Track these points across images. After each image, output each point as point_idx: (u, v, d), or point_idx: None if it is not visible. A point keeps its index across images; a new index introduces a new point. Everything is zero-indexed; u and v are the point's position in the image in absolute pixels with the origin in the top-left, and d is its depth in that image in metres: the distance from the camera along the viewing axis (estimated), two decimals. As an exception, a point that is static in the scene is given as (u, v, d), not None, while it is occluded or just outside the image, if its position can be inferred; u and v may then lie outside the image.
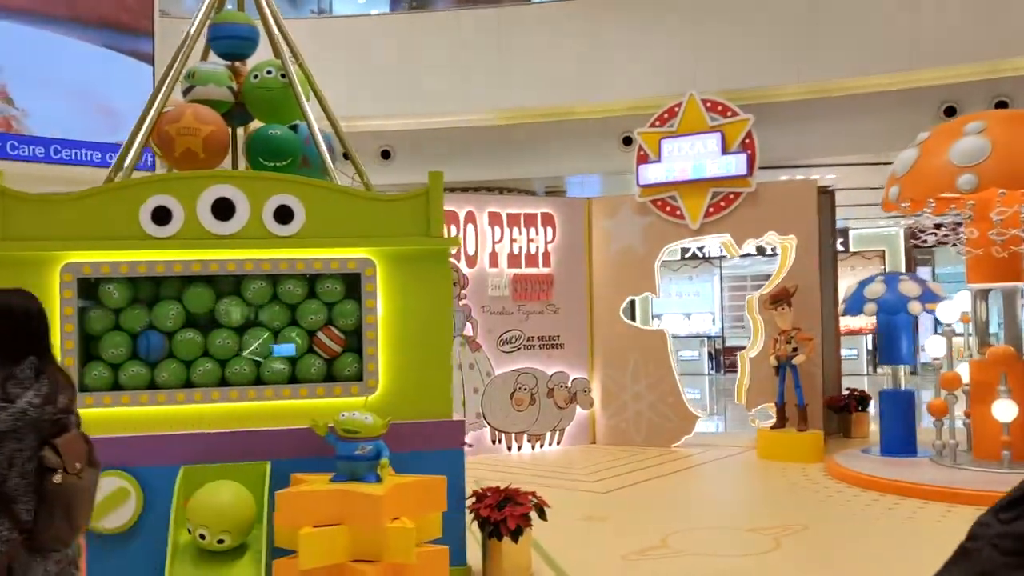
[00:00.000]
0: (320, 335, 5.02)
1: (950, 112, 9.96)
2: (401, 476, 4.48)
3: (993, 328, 8.39)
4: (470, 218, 9.37)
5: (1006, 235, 7.18)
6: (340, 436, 4.42)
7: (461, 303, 9.28)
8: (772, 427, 8.82)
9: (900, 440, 8.16)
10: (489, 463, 8.71)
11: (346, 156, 6.04)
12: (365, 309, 5.01)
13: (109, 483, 4.61)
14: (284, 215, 4.95)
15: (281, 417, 4.88)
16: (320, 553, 4.06)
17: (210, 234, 4.85)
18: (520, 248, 9.61)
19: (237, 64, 5.93)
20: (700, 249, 20.35)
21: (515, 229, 9.59)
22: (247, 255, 4.90)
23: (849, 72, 9.75)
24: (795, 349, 8.60)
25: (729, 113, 9.29)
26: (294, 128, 5.98)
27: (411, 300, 5.09)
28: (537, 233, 9.70)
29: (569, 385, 9.71)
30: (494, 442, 9.35)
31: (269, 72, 5.68)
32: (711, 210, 9.35)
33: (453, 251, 8.61)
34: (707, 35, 10.48)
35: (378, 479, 4.35)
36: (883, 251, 18.30)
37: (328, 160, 5.61)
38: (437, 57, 10.83)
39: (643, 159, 9.66)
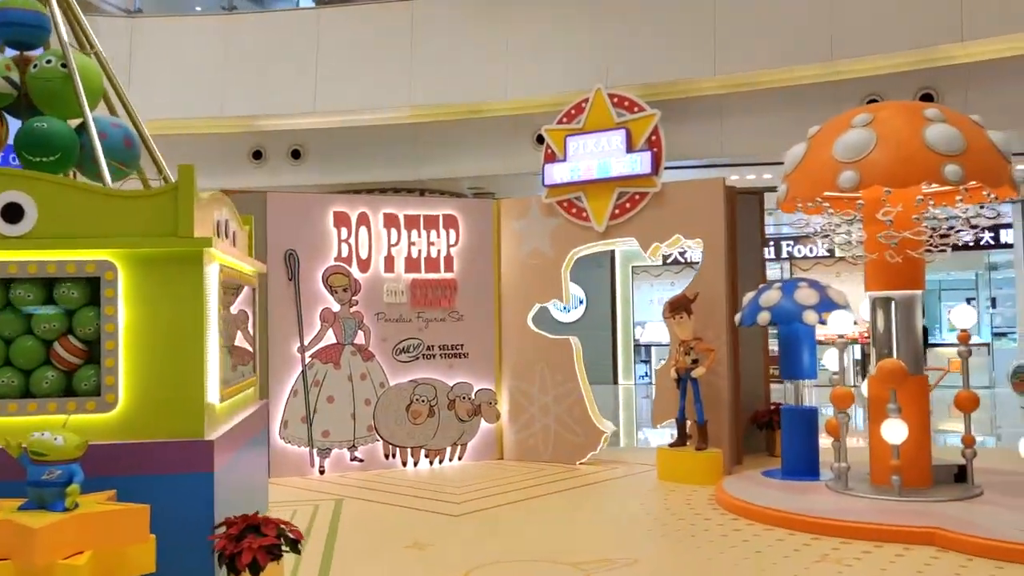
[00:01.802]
0: (56, 346, 4.59)
1: (875, 106, 9.27)
2: (96, 504, 4.01)
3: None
4: (363, 220, 8.91)
5: (896, 238, 6.52)
6: (30, 458, 3.97)
7: (352, 310, 8.82)
8: (671, 445, 8.21)
9: (802, 461, 7.52)
10: (362, 479, 8.25)
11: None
12: (104, 317, 4.56)
13: None
14: (13, 213, 4.52)
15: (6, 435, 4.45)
16: (-23, 591, 3.62)
17: (-71, 234, 4.45)
18: (420, 252, 9.12)
19: (27, 54, 5.55)
20: (682, 254, 19.72)
21: (414, 232, 9.11)
22: (-29, 257, 4.49)
23: (768, 63, 9.11)
24: (694, 361, 7.99)
25: (636, 109, 8.72)
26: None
27: (158, 307, 4.63)
28: (439, 236, 9.20)
29: (472, 397, 9.20)
30: (387, 456, 8.86)
31: (48, 62, 5.28)
32: (616, 212, 8.78)
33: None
34: (621, 28, 9.92)
35: (64, 508, 3.90)
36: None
37: (100, 155, 5.20)
38: (347, 53, 10.41)
39: (550, 158, 9.13)
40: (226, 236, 5.64)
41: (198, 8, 11.84)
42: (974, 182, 6.23)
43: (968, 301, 18.65)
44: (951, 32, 8.23)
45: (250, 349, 6.29)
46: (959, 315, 6.91)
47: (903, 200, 6.52)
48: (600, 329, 18.38)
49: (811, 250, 19.10)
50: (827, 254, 18.08)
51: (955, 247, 6.81)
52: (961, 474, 6.88)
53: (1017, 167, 6.51)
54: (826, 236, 7.03)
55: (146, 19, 10.87)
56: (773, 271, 17.76)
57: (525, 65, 10.12)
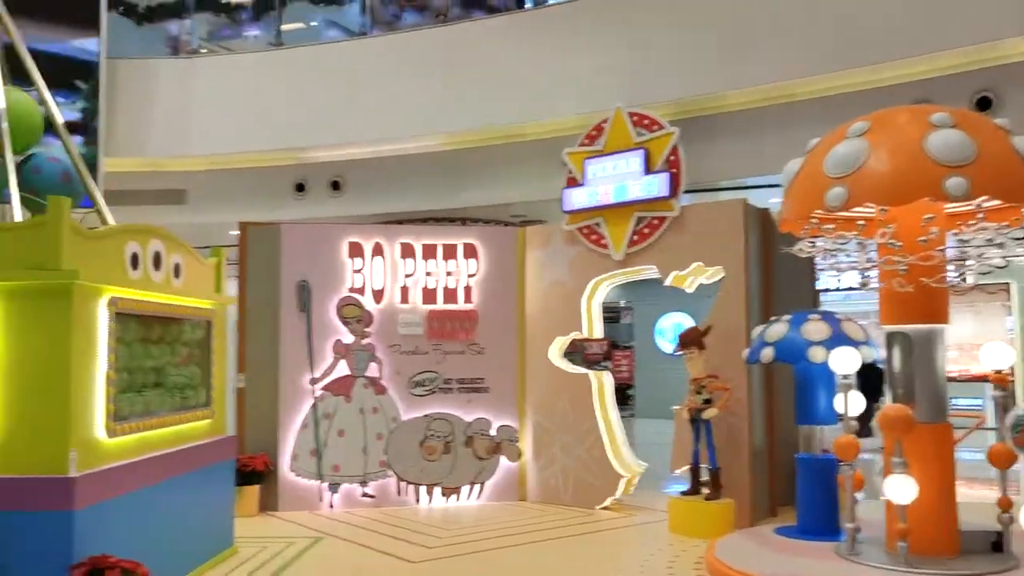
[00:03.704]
0: (-66, 378, 4.62)
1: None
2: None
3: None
4: (377, 250, 8.73)
5: (901, 264, 5.61)
6: None
7: (364, 342, 8.63)
8: (683, 493, 7.46)
9: (820, 518, 6.60)
10: (370, 516, 7.98)
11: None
12: (-26, 350, 4.56)
13: None
14: None
15: None
16: None
17: None
18: (437, 282, 8.84)
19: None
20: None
21: (431, 262, 8.83)
22: None
23: (806, 71, 8.23)
24: (706, 401, 7.24)
25: (656, 127, 8.10)
26: (28, 159, 5.71)
27: (29, 341, 4.58)
28: (457, 266, 8.88)
29: (493, 434, 8.77)
30: (399, 493, 8.57)
31: (-19, 99, 5.44)
32: (635, 238, 8.17)
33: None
34: (654, 44, 9.29)
35: None
36: (1007, 285, 15.60)
37: (13, 187, 5.26)
38: (383, 83, 10.33)
39: (571, 182, 8.63)
40: (156, 269, 5.57)
41: (253, 35, 12.16)
42: (984, 197, 5.26)
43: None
44: (1013, 25, 7.10)
45: (191, 382, 6.19)
46: (992, 354, 5.86)
47: (908, 220, 5.61)
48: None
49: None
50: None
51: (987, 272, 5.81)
52: (1000, 543, 5.80)
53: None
54: (838, 262, 6.15)
55: (200, 59, 11.29)
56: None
57: (558, 86, 9.69)
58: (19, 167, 5.61)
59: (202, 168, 11.05)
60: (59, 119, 5.88)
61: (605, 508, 8.27)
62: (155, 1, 11.98)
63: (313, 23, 13.60)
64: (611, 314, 24.63)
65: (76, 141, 10.50)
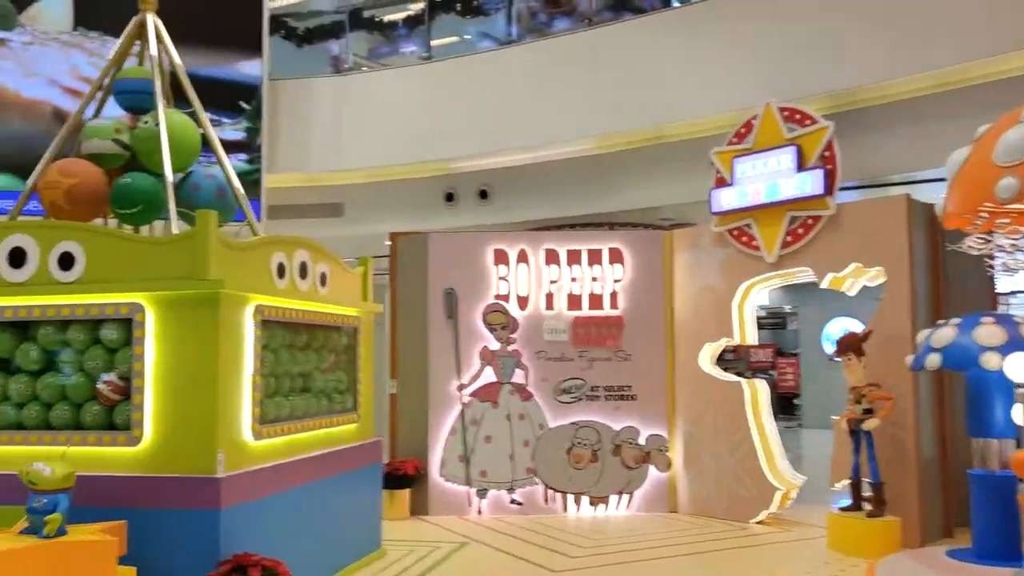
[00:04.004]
0: (99, 384, 4.95)
1: None
2: (80, 534, 4.21)
3: None
4: (522, 256, 8.73)
5: (1085, 260, 5.03)
6: (27, 487, 4.29)
7: (510, 348, 8.64)
8: (842, 509, 6.99)
9: (998, 541, 6.00)
10: (518, 523, 7.95)
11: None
12: (134, 356, 4.86)
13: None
14: (66, 262, 4.99)
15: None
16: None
17: (5, 282, 5.03)
18: (582, 288, 8.73)
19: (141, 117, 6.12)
20: None
21: (576, 267, 8.74)
22: (36, 301, 5.01)
23: (981, 52, 7.54)
24: (867, 411, 6.77)
25: (808, 122, 7.67)
26: (187, 176, 6.06)
27: (181, 347, 4.84)
28: (603, 271, 8.75)
29: (641, 442, 8.57)
30: (547, 501, 8.51)
31: (146, 123, 5.82)
32: (789, 239, 7.75)
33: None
34: (805, 34, 8.80)
35: (45, 535, 4.15)
36: None
37: (171, 204, 5.58)
38: (528, 90, 10.34)
39: (719, 182, 8.31)
40: (302, 278, 5.77)
41: (410, 51, 12.45)
42: None
43: None
44: None
45: (338, 387, 6.37)
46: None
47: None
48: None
49: None
50: None
51: None
52: None
53: None
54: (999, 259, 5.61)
55: (353, 76, 11.70)
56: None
57: (705, 85, 9.36)
58: (179, 184, 5.96)
59: (358, 181, 11.45)
60: (215, 138, 6.20)
61: (760, 522, 7.89)
62: (314, 24, 12.53)
63: (467, 36, 13.87)
64: (776, 319, 23.69)
65: (240, 159, 11.21)
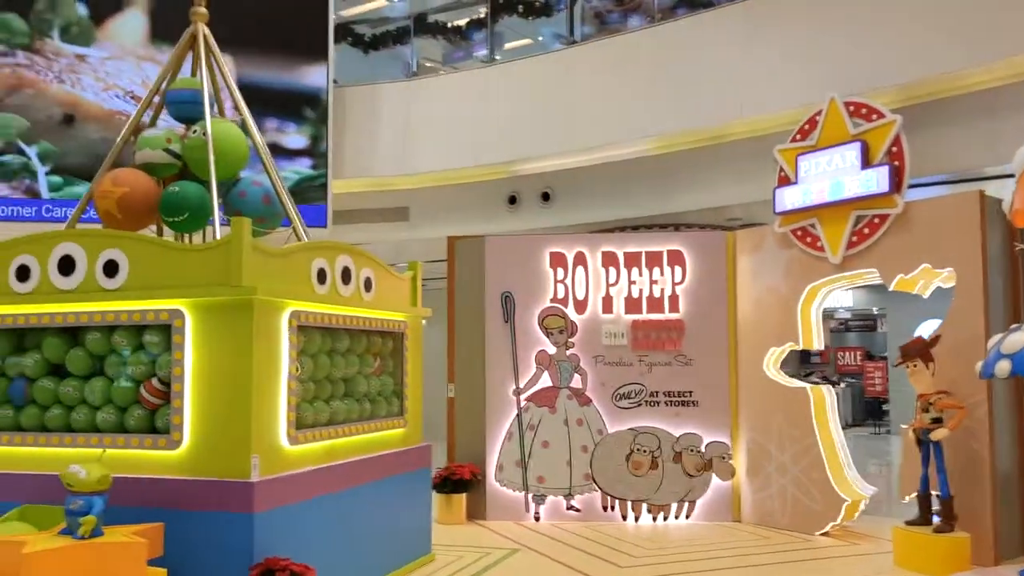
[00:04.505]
0: (141, 387, 5.07)
1: None
2: (114, 536, 4.31)
3: None
4: (580, 259, 8.60)
5: None
6: (65, 488, 4.41)
7: (568, 353, 8.53)
8: (908, 523, 6.63)
9: (1077, 561, 5.61)
10: (575, 530, 7.85)
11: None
12: (173, 361, 4.95)
13: (-35, 514, 5.16)
14: (111, 269, 5.13)
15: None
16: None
17: (56, 289, 5.21)
18: (641, 291, 8.56)
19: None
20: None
21: (634, 270, 8.57)
22: (83, 308, 5.17)
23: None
24: (935, 420, 6.41)
25: (875, 116, 7.33)
26: (235, 184, 6.17)
27: (217, 352, 4.92)
28: (662, 274, 8.55)
29: (703, 450, 8.34)
30: (605, 508, 8.36)
31: (195, 132, 5.96)
32: (854, 239, 7.42)
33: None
34: (867, 25, 8.40)
35: (80, 536, 4.26)
36: None
37: (216, 210, 5.68)
38: (589, 91, 10.19)
39: (783, 181, 8.02)
40: (344, 283, 5.80)
41: (483, 55, 12.43)
42: None
43: None
44: None
45: (383, 392, 6.38)
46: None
47: None
48: None
49: None
50: None
51: None
52: None
53: None
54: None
55: (418, 81, 11.75)
56: None
57: (769, 81, 9.04)
58: (227, 192, 6.07)
59: (423, 185, 11.51)
60: (261, 144, 6.29)
61: (825, 534, 7.58)
62: (380, 30, 12.66)
63: (540, 38, 13.82)
64: (865, 321, 22.87)
65: (305, 165, 11.40)
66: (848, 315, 22.27)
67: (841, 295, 20.44)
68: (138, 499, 4.81)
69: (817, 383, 8.75)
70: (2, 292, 5.30)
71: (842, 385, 19.09)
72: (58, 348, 5.28)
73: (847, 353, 21.91)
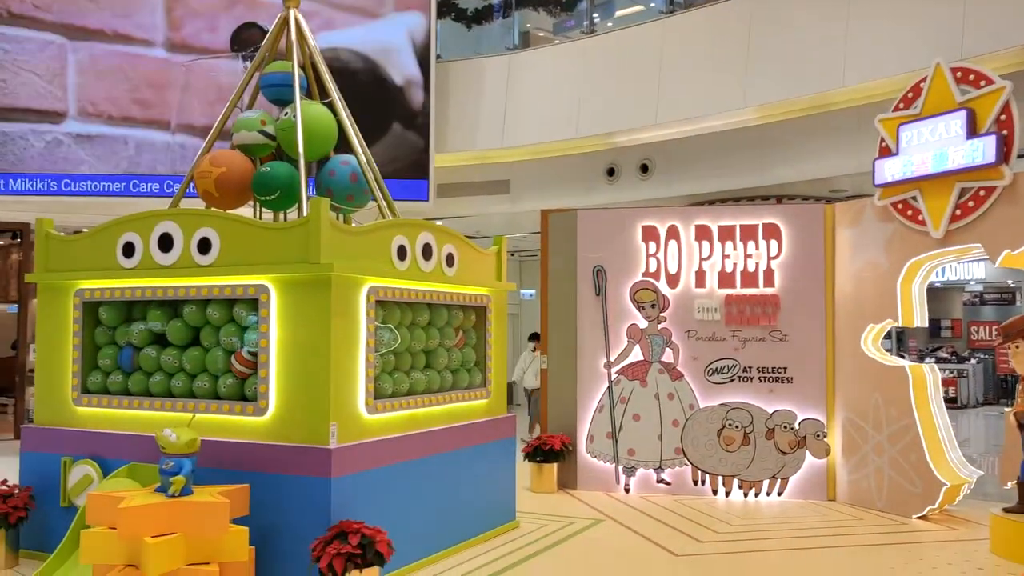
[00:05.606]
0: (232, 358, 5.42)
1: None
2: (201, 495, 4.66)
3: None
4: (672, 233, 8.53)
5: None
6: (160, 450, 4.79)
7: (660, 327, 8.51)
8: (1006, 510, 6.34)
9: None
10: (664, 503, 7.89)
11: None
12: (259, 333, 5.27)
13: (80, 470, 5.69)
14: (204, 246, 5.48)
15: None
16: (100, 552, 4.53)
17: (156, 264, 5.62)
18: (735, 265, 8.43)
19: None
20: None
21: (728, 244, 8.44)
22: (180, 282, 5.55)
23: None
24: (1036, 404, 6.10)
25: (984, 83, 6.93)
26: (324, 163, 6.45)
27: (299, 326, 5.20)
28: (757, 248, 8.39)
29: (796, 427, 8.19)
30: (695, 482, 8.35)
31: (286, 114, 6.25)
32: (957, 212, 7.07)
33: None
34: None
35: (171, 495, 4.63)
36: None
37: (302, 188, 5.96)
38: (688, 61, 9.99)
39: (884, 152, 7.70)
40: (426, 259, 6.00)
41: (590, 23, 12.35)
42: None
43: None
44: None
45: (466, 364, 6.56)
46: None
47: None
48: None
49: None
50: None
51: None
52: None
53: None
54: None
55: (518, 54, 11.78)
56: None
57: (872, 48, 8.61)
58: (317, 170, 6.35)
59: (524, 158, 11.61)
60: (349, 126, 6.51)
61: (923, 518, 7.34)
62: (482, 4, 12.75)
63: (652, 3, 13.62)
64: (1003, 295, 21.60)
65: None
66: (981, 288, 21.10)
67: (974, 267, 19.41)
68: (228, 462, 5.17)
69: (933, 361, 8.42)
70: (111, 267, 5.75)
71: (973, 361, 18.19)
72: (159, 319, 5.69)
73: (980, 327, 20.83)
